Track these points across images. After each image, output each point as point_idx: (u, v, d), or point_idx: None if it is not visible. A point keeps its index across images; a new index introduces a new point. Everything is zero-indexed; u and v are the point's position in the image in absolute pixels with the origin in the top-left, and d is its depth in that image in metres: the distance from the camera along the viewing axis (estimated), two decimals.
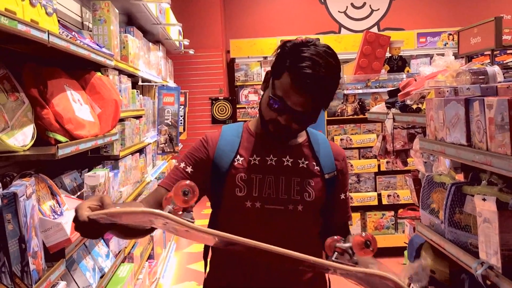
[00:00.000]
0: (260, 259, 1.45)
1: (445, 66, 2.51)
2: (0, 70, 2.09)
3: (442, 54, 2.65)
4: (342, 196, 1.70)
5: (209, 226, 1.64)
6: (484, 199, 1.59)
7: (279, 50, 1.61)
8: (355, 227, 5.02)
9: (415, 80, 2.67)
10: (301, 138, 1.67)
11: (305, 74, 1.45)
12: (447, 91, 2.00)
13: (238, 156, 1.60)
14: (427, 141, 2.09)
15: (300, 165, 1.60)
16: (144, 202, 1.70)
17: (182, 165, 1.66)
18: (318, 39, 1.59)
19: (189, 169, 1.64)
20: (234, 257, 1.57)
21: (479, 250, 1.66)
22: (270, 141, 1.60)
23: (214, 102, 8.94)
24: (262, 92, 1.64)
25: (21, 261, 1.69)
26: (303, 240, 1.56)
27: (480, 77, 1.99)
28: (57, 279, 1.96)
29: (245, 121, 1.79)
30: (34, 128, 2.17)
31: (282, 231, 1.55)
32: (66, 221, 2.08)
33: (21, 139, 2.07)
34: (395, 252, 4.49)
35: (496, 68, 2.00)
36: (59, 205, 2.25)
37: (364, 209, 5.07)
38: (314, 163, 1.62)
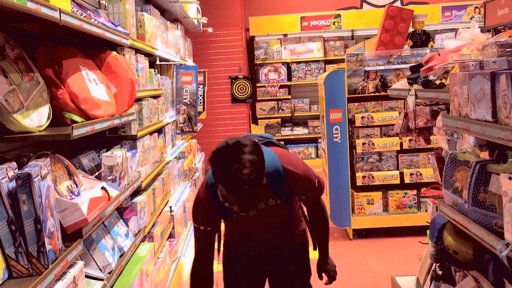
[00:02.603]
0: (256, 233, 2.39)
1: (471, 39, 2.40)
2: (14, 50, 2.07)
3: (468, 28, 2.54)
4: (303, 197, 2.33)
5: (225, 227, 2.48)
6: (510, 178, 1.52)
7: (212, 162, 2.00)
8: (376, 206, 4.96)
9: (439, 55, 2.56)
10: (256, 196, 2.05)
11: (231, 190, 1.94)
12: (472, 65, 1.91)
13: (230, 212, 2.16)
14: (450, 118, 2.01)
15: (270, 202, 2.23)
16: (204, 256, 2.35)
17: (198, 226, 2.29)
18: (242, 139, 1.98)
19: (203, 228, 2.26)
20: (241, 233, 2.45)
21: (504, 231, 1.60)
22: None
23: (233, 81, 8.87)
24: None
25: (37, 241, 1.69)
26: (282, 212, 2.33)
27: (507, 49, 1.89)
28: (74, 259, 1.97)
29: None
30: (49, 108, 2.16)
31: (269, 217, 2.31)
32: (83, 201, 2.08)
33: (37, 119, 2.06)
34: (418, 231, 4.43)
35: None
36: (76, 185, 2.25)
37: (386, 188, 5.00)
38: (277, 199, 2.23)
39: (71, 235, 2.03)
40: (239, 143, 1.92)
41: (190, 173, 6.01)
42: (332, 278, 2.57)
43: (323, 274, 2.56)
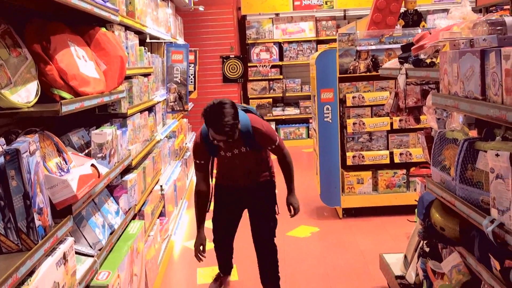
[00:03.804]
0: (237, 174, 3.27)
1: (462, 17, 2.40)
2: (1, 25, 2.04)
3: (460, 7, 2.53)
4: (270, 148, 3.20)
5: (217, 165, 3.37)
6: (497, 155, 1.53)
7: (203, 115, 2.95)
8: (366, 185, 5.00)
9: (430, 34, 2.56)
10: (234, 138, 2.93)
11: (216, 130, 2.87)
12: (463, 43, 1.91)
13: (217, 153, 3.19)
14: (440, 96, 2.01)
15: (242, 149, 3.11)
16: (204, 181, 3.28)
17: (198, 161, 3.23)
18: (224, 100, 2.95)
19: (202, 162, 3.23)
20: (226, 175, 3.36)
21: (490, 207, 1.62)
22: (225, 146, 3.03)
23: (225, 60, 8.82)
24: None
25: (27, 217, 1.69)
26: (254, 158, 3.22)
27: (498, 27, 1.89)
28: (64, 235, 1.97)
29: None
30: (38, 84, 2.13)
31: (245, 161, 3.20)
32: (73, 177, 2.08)
33: (25, 95, 2.04)
34: (407, 210, 4.48)
35: None
36: (66, 162, 2.24)
37: (376, 168, 5.03)
38: (246, 148, 3.11)
39: (60, 211, 2.03)
40: (221, 102, 2.89)
41: (181, 153, 6.00)
42: (296, 210, 3.32)
43: (290, 207, 3.33)
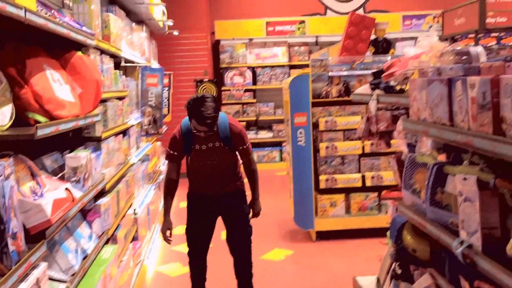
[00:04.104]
0: (210, 180, 3.37)
1: (429, 46, 2.50)
2: None
3: (428, 36, 2.65)
4: (241, 148, 3.36)
5: (187, 162, 3.43)
6: (465, 179, 1.60)
7: (187, 106, 3.18)
8: (339, 208, 5.06)
9: (400, 61, 2.66)
10: (213, 131, 3.21)
11: (199, 120, 3.10)
12: (430, 72, 2.00)
13: (193, 145, 3.31)
14: (410, 122, 2.09)
15: (216, 145, 3.28)
16: (175, 172, 3.43)
17: (172, 152, 3.38)
18: (207, 94, 3.23)
19: (175, 154, 3.38)
20: (199, 181, 3.42)
21: (459, 229, 1.68)
22: (202, 137, 3.24)
23: (199, 84, 8.86)
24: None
25: (0, 242, 1.66)
26: (226, 161, 3.35)
27: (463, 57, 1.99)
28: (38, 261, 1.94)
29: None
30: (12, 107, 2.12)
31: (216, 161, 3.33)
32: (47, 202, 2.06)
33: (0, 118, 2.02)
34: (379, 233, 4.54)
35: (479, 49, 2.00)
36: (40, 186, 2.21)
37: (348, 191, 5.11)
38: (220, 143, 3.28)
39: (34, 236, 2.00)
40: (204, 96, 3.15)
41: (154, 176, 5.97)
42: (256, 214, 3.51)
43: (252, 210, 3.50)
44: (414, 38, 8.80)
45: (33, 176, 2.23)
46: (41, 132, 2.08)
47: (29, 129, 2.03)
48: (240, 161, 3.48)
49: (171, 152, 3.36)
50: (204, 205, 3.42)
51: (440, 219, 1.84)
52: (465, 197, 1.60)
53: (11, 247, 1.70)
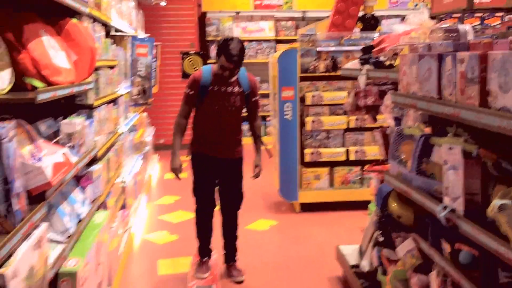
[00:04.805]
0: (216, 136, 3.60)
1: (419, 24, 2.59)
2: None
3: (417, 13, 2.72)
4: (253, 99, 3.64)
5: (197, 114, 3.65)
6: (450, 148, 1.71)
7: (217, 45, 3.47)
8: (323, 181, 5.19)
9: (389, 37, 2.74)
10: (235, 77, 3.53)
11: (228, 58, 3.38)
12: (421, 47, 2.09)
13: (211, 86, 3.53)
14: (399, 95, 2.18)
15: (235, 90, 3.55)
16: (186, 116, 3.65)
17: (189, 90, 3.58)
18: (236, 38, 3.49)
19: (192, 93, 3.57)
20: (205, 136, 3.61)
21: (443, 196, 1.79)
22: (223, 79, 3.50)
23: (184, 56, 8.83)
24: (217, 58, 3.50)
25: (5, 201, 1.72)
26: (236, 116, 3.62)
27: (451, 34, 2.08)
28: (39, 221, 2.01)
29: (213, 63, 3.74)
30: (12, 72, 2.15)
31: (228, 112, 3.56)
32: (47, 165, 2.11)
33: None
34: (361, 205, 4.69)
35: (467, 27, 2.09)
36: (38, 150, 2.26)
37: (332, 165, 5.23)
38: (239, 87, 3.56)
39: (34, 198, 2.06)
40: (237, 38, 3.47)
41: (140, 147, 6.01)
42: (258, 173, 3.78)
43: (256, 168, 3.75)
44: (400, 16, 8.86)
45: (32, 140, 2.27)
46: (41, 97, 2.11)
47: (30, 94, 2.07)
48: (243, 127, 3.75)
49: (189, 91, 3.55)
50: (208, 166, 3.63)
51: (425, 187, 1.96)
52: (450, 166, 1.71)
53: (16, 206, 1.77)
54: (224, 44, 3.39)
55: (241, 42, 3.45)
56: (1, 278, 1.61)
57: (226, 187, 3.71)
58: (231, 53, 3.34)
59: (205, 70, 3.55)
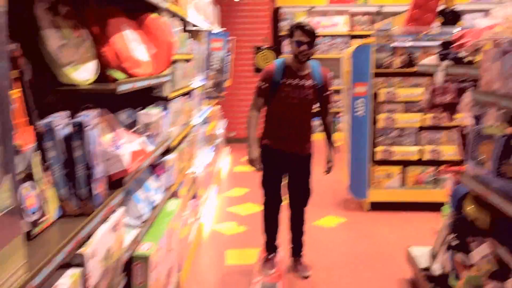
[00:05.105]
0: (288, 130, 3.61)
1: (504, 18, 2.45)
2: (65, 7, 2.18)
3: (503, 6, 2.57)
4: (326, 93, 3.63)
5: (269, 108, 3.66)
6: None
7: (289, 28, 3.50)
8: (394, 180, 5.06)
9: (471, 32, 2.62)
10: (307, 70, 3.55)
11: (302, 30, 3.39)
12: (505, 43, 1.97)
13: (284, 79, 3.54)
14: (480, 93, 2.08)
15: (307, 83, 3.54)
16: (258, 109, 3.66)
17: (262, 83, 3.59)
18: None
19: (265, 85, 3.57)
20: (277, 129, 3.62)
21: None
22: (296, 72, 3.53)
23: (258, 50, 8.91)
24: (289, 44, 3.54)
25: (87, 185, 1.83)
26: (307, 111, 3.61)
27: None
28: (116, 206, 2.12)
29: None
30: (98, 63, 2.28)
31: (300, 106, 3.56)
32: (125, 153, 2.22)
33: (84, 74, 2.18)
34: (433, 207, 4.53)
35: None
36: (118, 138, 2.38)
37: (404, 164, 5.08)
38: (312, 81, 3.55)
39: (112, 184, 2.17)
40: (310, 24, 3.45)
41: (212, 139, 6.14)
42: (330, 168, 3.77)
43: (329, 164, 3.75)
44: (484, 11, 8.41)
45: (112, 128, 2.40)
46: (121, 88, 2.22)
47: (112, 85, 2.19)
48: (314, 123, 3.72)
49: (262, 84, 3.56)
50: (277, 161, 3.66)
51: (505, 190, 1.86)
52: None
53: (96, 190, 1.87)
54: (296, 24, 3.44)
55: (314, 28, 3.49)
56: (80, 257, 1.72)
57: (294, 182, 3.72)
58: (304, 27, 3.37)
59: (278, 63, 3.56)
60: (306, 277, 3.68)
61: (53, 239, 1.57)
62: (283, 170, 3.70)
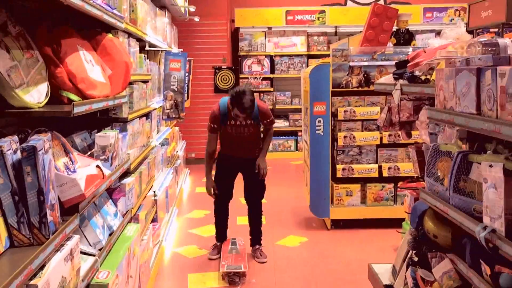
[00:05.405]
0: (239, 146, 4.26)
1: (456, 38, 2.53)
2: (16, 27, 2.11)
3: (453, 27, 2.66)
4: (265, 121, 4.23)
5: (221, 134, 4.30)
6: (491, 166, 1.64)
7: (232, 96, 3.99)
8: (355, 197, 5.11)
9: (424, 52, 2.69)
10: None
11: (241, 108, 3.92)
12: (459, 62, 2.03)
13: (228, 121, 4.14)
14: (436, 111, 2.13)
15: (248, 122, 4.13)
16: (214, 144, 4.34)
17: (211, 124, 4.19)
18: (246, 88, 4.04)
19: (214, 126, 4.19)
20: (230, 145, 4.27)
21: (482, 215, 1.72)
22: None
23: (217, 71, 8.91)
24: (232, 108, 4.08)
25: (39, 212, 1.74)
26: (253, 134, 4.25)
27: (491, 48, 2.01)
28: (71, 233, 2.03)
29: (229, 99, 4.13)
30: (48, 86, 2.20)
31: (246, 134, 4.23)
32: (81, 177, 2.14)
33: (36, 96, 2.10)
34: (394, 223, 4.58)
35: (508, 40, 2.03)
36: (72, 163, 2.30)
37: (364, 181, 5.14)
38: (252, 120, 4.14)
39: (67, 209, 2.08)
40: (245, 90, 3.93)
41: (172, 160, 6.05)
42: (262, 170, 4.28)
43: (258, 166, 4.28)
44: (435, 31, 8.73)
45: (66, 152, 2.31)
46: (77, 110, 2.15)
47: (67, 107, 2.11)
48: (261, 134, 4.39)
49: (212, 125, 4.19)
50: (231, 164, 4.35)
51: (463, 206, 1.89)
52: (490, 184, 1.64)
53: (49, 218, 1.78)
54: (237, 97, 3.91)
55: (252, 93, 3.97)
56: None
57: (249, 179, 4.36)
58: (244, 107, 3.89)
59: (222, 106, 4.13)
60: (263, 263, 4.26)
61: (1, 272, 1.48)
62: (235, 171, 4.39)
